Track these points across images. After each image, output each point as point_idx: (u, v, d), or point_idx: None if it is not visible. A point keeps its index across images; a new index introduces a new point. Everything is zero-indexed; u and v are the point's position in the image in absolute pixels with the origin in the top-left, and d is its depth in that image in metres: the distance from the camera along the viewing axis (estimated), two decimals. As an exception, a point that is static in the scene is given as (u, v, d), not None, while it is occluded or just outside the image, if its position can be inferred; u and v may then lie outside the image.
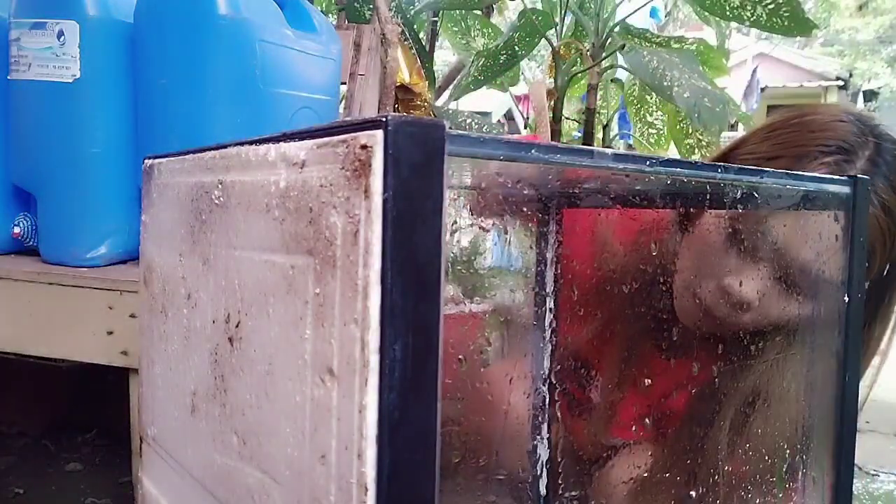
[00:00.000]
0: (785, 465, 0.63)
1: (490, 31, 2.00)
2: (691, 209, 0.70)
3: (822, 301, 0.57)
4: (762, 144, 0.70)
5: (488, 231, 0.71)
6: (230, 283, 0.42)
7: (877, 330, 0.70)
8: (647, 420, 0.73)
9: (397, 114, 0.28)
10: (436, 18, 1.93)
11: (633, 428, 0.74)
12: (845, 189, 0.51)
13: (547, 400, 0.69)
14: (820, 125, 0.69)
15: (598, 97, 1.82)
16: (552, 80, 1.74)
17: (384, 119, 0.28)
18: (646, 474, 0.70)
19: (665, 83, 1.28)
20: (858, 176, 0.51)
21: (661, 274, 0.70)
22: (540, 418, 0.69)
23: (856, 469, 1.03)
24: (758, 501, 0.66)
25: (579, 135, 2.13)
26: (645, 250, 0.70)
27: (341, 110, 1.28)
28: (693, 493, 0.66)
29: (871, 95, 13.45)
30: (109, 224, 0.93)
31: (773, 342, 0.67)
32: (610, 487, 0.71)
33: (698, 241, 0.69)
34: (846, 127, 0.68)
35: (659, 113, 1.89)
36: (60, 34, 0.89)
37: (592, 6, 1.71)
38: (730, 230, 0.67)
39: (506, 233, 0.76)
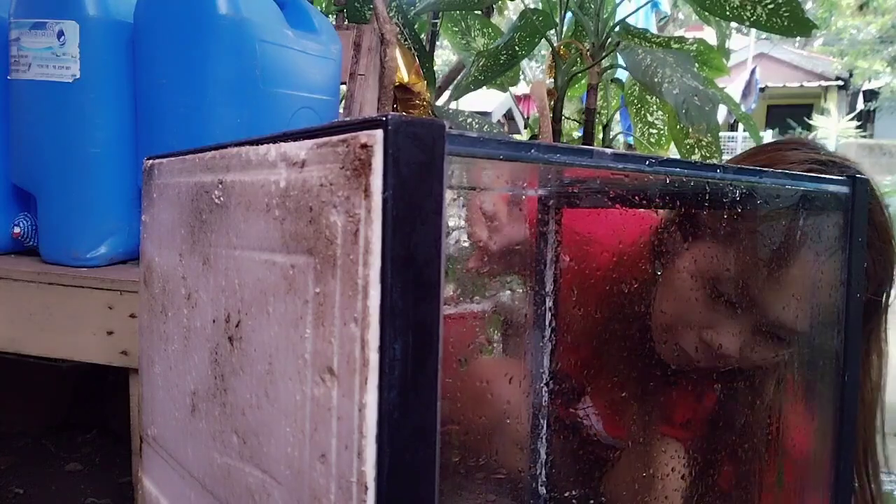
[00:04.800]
0: (784, 465, 0.63)
1: (490, 31, 2.00)
2: (672, 243, 0.69)
3: (821, 305, 0.57)
4: None
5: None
6: (230, 282, 0.42)
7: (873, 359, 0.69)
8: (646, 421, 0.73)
9: (397, 113, 0.28)
10: (436, 20, 1.93)
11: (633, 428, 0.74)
12: (844, 189, 0.51)
13: (546, 399, 0.69)
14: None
15: (598, 97, 1.82)
16: (552, 80, 1.74)
17: (384, 118, 0.28)
18: (651, 472, 0.70)
19: (656, 80, 1.28)
20: (857, 176, 0.51)
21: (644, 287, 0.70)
22: (539, 417, 0.69)
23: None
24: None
25: (579, 135, 2.13)
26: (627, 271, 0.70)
27: (341, 110, 1.28)
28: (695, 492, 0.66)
29: (871, 95, 13.45)
30: (109, 224, 0.93)
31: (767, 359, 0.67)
32: (616, 485, 0.72)
33: (678, 284, 0.68)
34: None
35: (659, 113, 1.89)
36: (60, 34, 0.89)
37: (592, 6, 1.71)
38: (711, 272, 0.65)
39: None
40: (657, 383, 0.71)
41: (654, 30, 3.04)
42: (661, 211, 0.73)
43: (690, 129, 1.24)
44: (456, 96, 1.81)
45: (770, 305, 0.63)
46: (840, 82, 13.37)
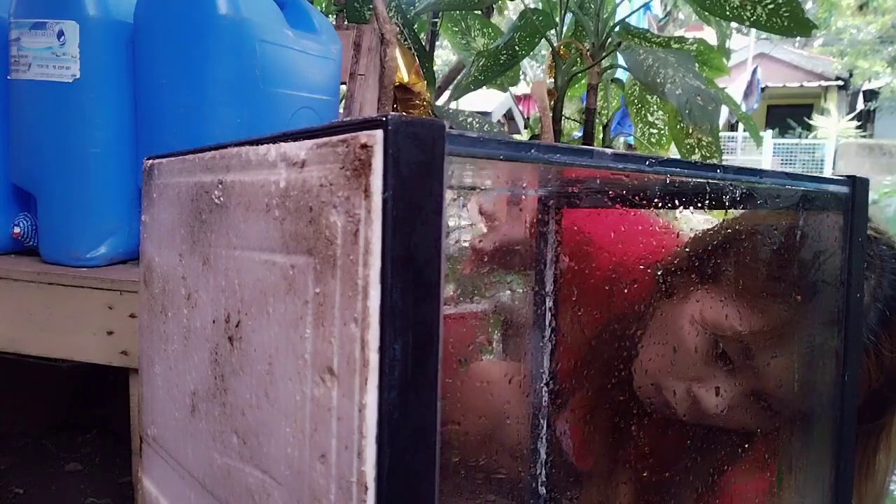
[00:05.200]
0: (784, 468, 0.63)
1: (490, 31, 1.99)
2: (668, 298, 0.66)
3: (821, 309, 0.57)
4: None
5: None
6: (230, 282, 0.42)
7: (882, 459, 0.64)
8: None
9: (397, 113, 0.28)
10: (436, 19, 1.92)
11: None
12: (844, 189, 0.51)
13: (545, 400, 0.69)
14: None
15: (598, 97, 1.81)
16: (552, 80, 1.73)
17: (384, 119, 0.28)
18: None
19: (658, 80, 1.28)
20: (857, 176, 0.51)
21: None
22: (539, 417, 0.69)
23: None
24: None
25: (579, 135, 2.13)
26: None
27: (341, 110, 1.28)
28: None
29: (871, 95, 13.45)
30: (109, 224, 0.93)
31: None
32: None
33: (676, 330, 0.64)
34: None
35: (660, 113, 1.88)
36: (60, 34, 0.89)
37: (592, 6, 1.71)
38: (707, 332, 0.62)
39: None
40: (628, 419, 0.68)
41: (653, 27, 3.04)
42: (670, 248, 0.70)
43: (691, 129, 1.23)
44: (456, 96, 1.81)
45: (774, 375, 0.59)
46: (840, 82, 13.37)
